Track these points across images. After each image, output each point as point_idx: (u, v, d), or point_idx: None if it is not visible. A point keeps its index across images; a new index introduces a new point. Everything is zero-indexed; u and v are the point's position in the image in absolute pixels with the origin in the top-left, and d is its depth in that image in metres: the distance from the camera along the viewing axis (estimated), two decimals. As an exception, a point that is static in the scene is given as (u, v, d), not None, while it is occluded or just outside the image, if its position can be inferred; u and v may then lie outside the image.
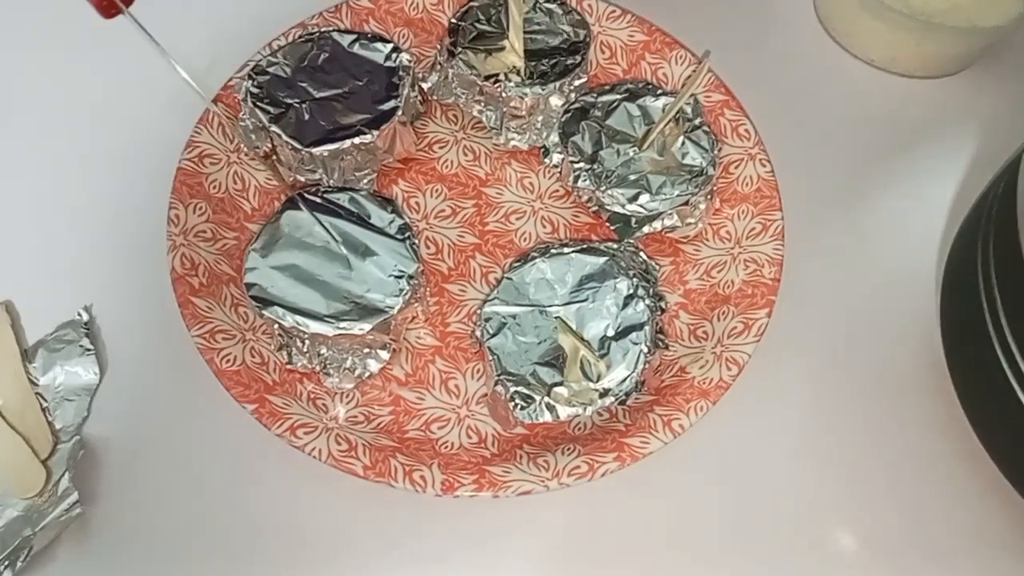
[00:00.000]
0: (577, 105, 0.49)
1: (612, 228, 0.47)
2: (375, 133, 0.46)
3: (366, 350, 0.43)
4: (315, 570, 0.40)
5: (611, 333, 0.42)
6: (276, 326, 0.42)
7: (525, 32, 0.49)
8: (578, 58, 0.49)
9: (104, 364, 0.44)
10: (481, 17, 0.51)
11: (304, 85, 0.48)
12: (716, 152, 0.48)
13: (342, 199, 0.45)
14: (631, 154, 0.48)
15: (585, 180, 0.47)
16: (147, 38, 0.37)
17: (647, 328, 0.42)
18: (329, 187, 0.46)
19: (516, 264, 0.45)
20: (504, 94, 0.48)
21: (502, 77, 0.48)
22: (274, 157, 0.48)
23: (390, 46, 0.49)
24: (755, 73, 0.54)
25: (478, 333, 0.43)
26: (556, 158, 0.49)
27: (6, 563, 0.38)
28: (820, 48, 0.57)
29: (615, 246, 0.45)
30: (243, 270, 0.42)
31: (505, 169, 0.51)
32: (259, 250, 0.43)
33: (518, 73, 0.49)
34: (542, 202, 0.50)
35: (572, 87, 0.49)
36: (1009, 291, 0.38)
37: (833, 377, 0.46)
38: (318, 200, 0.45)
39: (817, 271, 0.48)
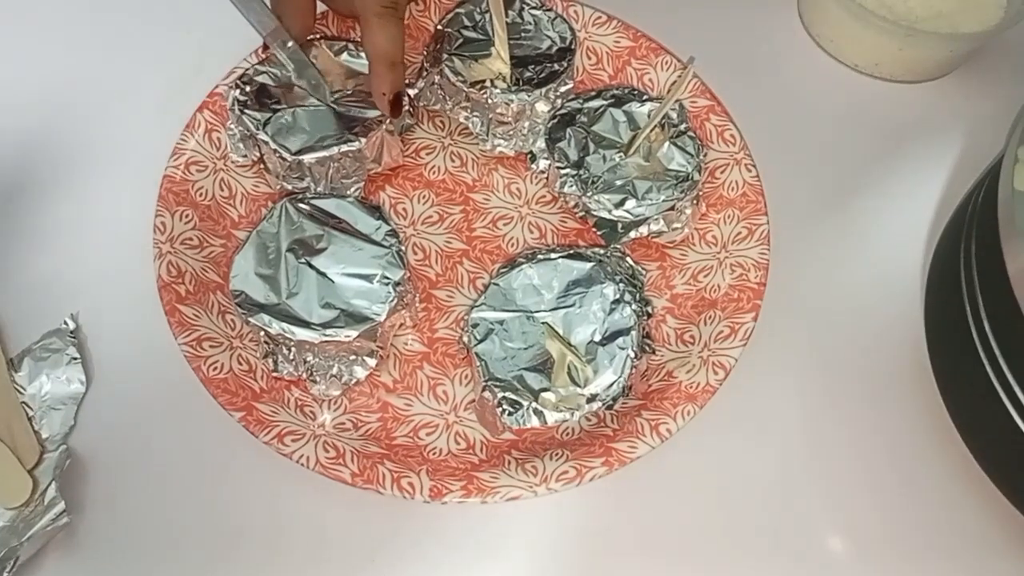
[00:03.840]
0: (563, 111, 0.49)
1: (599, 233, 0.47)
2: (363, 141, 0.46)
3: (352, 357, 0.43)
4: (303, 578, 0.40)
5: (598, 338, 0.42)
6: (262, 333, 0.42)
7: (511, 38, 0.49)
8: (564, 64, 0.50)
9: (91, 373, 0.44)
10: (467, 23, 0.51)
11: (291, 93, 0.48)
12: (702, 157, 0.48)
13: (329, 206, 0.45)
14: (617, 160, 0.48)
15: (571, 186, 0.47)
16: None
17: (634, 333, 0.42)
18: (317, 194, 0.46)
19: (503, 270, 0.45)
20: (490, 100, 0.48)
21: (488, 83, 0.48)
22: (262, 165, 0.48)
23: (377, 53, 0.49)
24: (740, 78, 0.54)
25: (465, 339, 0.43)
26: (543, 164, 0.49)
27: (-8, 573, 0.38)
28: (805, 53, 0.57)
29: (602, 251, 0.46)
30: (229, 277, 0.42)
31: (492, 175, 0.51)
32: (246, 257, 0.43)
33: (504, 79, 0.49)
34: (529, 208, 0.50)
35: (558, 93, 0.50)
36: (990, 293, 0.38)
37: (819, 379, 0.46)
38: (305, 207, 0.45)
39: (803, 275, 0.48)
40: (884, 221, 0.51)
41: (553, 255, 0.45)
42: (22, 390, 0.43)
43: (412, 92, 0.51)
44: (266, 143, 0.46)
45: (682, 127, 0.49)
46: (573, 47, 0.50)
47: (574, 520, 0.42)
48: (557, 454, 0.41)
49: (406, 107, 0.48)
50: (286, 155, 0.46)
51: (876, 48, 0.54)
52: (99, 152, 0.51)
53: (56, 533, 0.40)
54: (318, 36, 0.50)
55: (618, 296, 0.43)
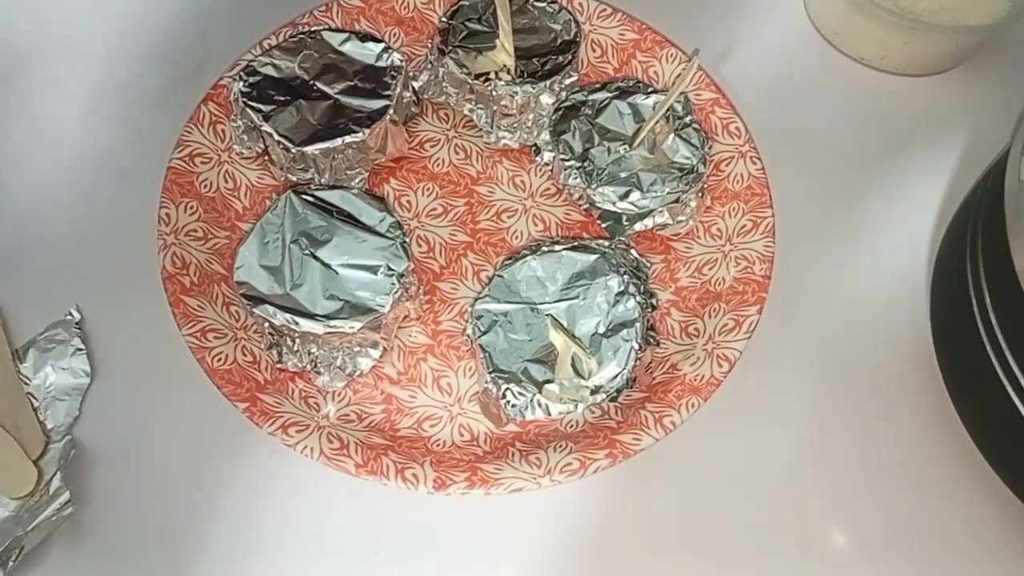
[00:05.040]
0: (568, 103, 0.49)
1: (603, 226, 0.47)
2: (366, 132, 0.46)
3: (357, 348, 0.43)
4: (307, 567, 0.40)
5: (602, 330, 0.42)
6: (267, 324, 0.42)
7: (515, 31, 0.49)
8: (569, 56, 0.49)
9: (95, 363, 0.44)
10: (471, 16, 0.51)
11: (295, 84, 0.48)
12: (707, 150, 0.48)
13: (333, 197, 0.45)
14: (622, 152, 0.48)
15: (576, 178, 0.47)
16: None
17: (638, 325, 0.42)
18: (321, 185, 0.46)
19: (507, 262, 0.45)
20: (494, 93, 0.48)
21: (492, 76, 0.48)
22: (266, 157, 0.48)
23: (381, 45, 0.49)
24: (745, 71, 0.54)
25: (470, 331, 0.43)
26: (547, 156, 0.49)
27: (-3, 563, 0.38)
28: (810, 46, 0.57)
29: (606, 244, 0.46)
30: (234, 268, 0.42)
31: (496, 167, 0.51)
32: (250, 249, 0.43)
33: (508, 72, 0.49)
34: (533, 200, 0.50)
35: (563, 85, 0.49)
36: (997, 286, 0.38)
37: (823, 372, 0.46)
38: (310, 198, 0.45)
39: (808, 268, 0.48)
40: (890, 213, 0.51)
41: (557, 247, 0.45)
42: (27, 381, 0.43)
43: (416, 84, 0.51)
44: (270, 135, 0.46)
45: (687, 119, 0.49)
46: (578, 39, 0.50)
47: (577, 512, 0.42)
48: (561, 446, 0.41)
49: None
50: (290, 146, 0.46)
51: (882, 41, 0.54)
52: (103, 144, 0.51)
53: (61, 523, 0.40)
54: (322, 27, 0.50)
55: (622, 288, 0.43)
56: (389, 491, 0.40)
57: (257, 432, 0.41)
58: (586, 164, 0.47)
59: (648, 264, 0.46)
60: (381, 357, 0.43)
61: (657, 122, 0.48)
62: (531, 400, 0.41)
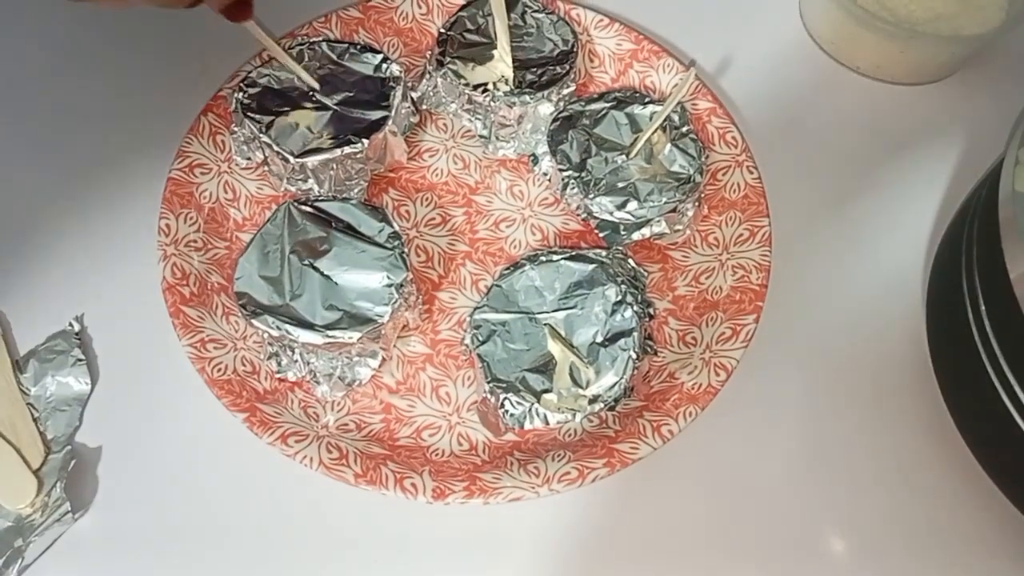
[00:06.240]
0: (565, 114, 0.49)
1: (601, 235, 0.48)
2: (365, 143, 0.47)
3: (356, 358, 0.43)
4: (307, 578, 0.41)
5: (600, 339, 0.43)
6: (266, 335, 0.42)
7: (513, 42, 0.49)
8: (566, 67, 0.50)
9: (95, 374, 0.44)
10: (470, 27, 0.51)
11: (294, 95, 0.48)
12: (703, 159, 0.48)
13: (332, 208, 0.45)
14: (619, 162, 0.48)
15: (574, 188, 0.47)
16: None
17: (635, 334, 0.42)
18: (320, 196, 0.46)
19: (506, 272, 0.45)
20: (492, 103, 0.49)
21: (490, 86, 0.49)
22: (265, 167, 0.49)
23: (380, 56, 0.49)
24: (742, 81, 0.55)
25: (468, 340, 0.43)
26: (545, 166, 0.50)
27: (-3, 574, 0.38)
28: (806, 55, 0.57)
29: (604, 253, 0.46)
30: (233, 279, 0.43)
31: (495, 177, 0.51)
32: (249, 259, 0.43)
33: (506, 82, 0.49)
34: (531, 210, 0.50)
35: (560, 96, 0.50)
36: (992, 295, 0.38)
37: (820, 381, 0.46)
38: (309, 209, 0.45)
39: (804, 277, 0.49)
40: (885, 222, 0.51)
41: (555, 257, 0.45)
42: (27, 391, 0.44)
43: (415, 95, 0.51)
44: (269, 145, 0.46)
45: (684, 129, 0.49)
46: (575, 50, 0.50)
47: (576, 521, 0.42)
48: (559, 455, 0.41)
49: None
50: (289, 157, 0.46)
51: (877, 50, 0.54)
52: (104, 155, 0.51)
53: (61, 533, 0.40)
54: (321, 38, 0.50)
55: (620, 298, 0.43)
56: (388, 501, 0.40)
57: (257, 442, 0.41)
58: (584, 174, 0.47)
59: (645, 273, 0.46)
60: (380, 367, 0.44)
61: (654, 132, 0.48)
62: (529, 409, 0.41)
